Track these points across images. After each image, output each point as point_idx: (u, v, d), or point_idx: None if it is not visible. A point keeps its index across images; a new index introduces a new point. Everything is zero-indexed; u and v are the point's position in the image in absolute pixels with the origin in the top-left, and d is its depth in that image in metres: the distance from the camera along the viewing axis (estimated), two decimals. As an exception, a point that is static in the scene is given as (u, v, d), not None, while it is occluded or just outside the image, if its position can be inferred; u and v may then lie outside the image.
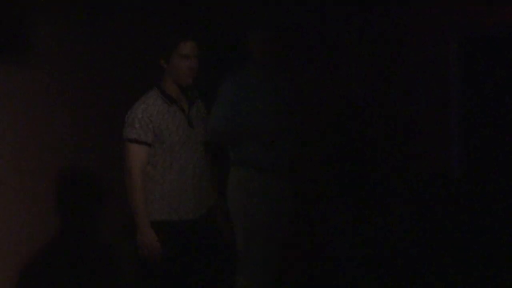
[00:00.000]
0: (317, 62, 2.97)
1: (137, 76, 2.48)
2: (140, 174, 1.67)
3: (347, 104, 2.97)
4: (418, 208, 2.64)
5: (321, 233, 2.85)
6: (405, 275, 2.60)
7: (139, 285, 2.44)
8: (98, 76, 2.49)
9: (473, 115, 2.72)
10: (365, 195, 2.80)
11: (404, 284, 2.59)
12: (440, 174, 2.60)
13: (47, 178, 2.30)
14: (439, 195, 2.57)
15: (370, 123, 2.88)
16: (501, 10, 2.68)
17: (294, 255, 2.67)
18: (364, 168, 2.84)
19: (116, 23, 2.52)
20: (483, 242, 2.45)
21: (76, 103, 2.40)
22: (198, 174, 1.79)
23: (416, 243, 2.63)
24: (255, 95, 2.04)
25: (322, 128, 2.91)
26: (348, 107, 2.95)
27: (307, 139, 2.61)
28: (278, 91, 2.14)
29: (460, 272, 2.47)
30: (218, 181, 2.02)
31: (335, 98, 2.94)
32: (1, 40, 2.04)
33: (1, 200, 2.11)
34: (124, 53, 2.57)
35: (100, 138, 2.46)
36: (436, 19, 2.83)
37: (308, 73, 2.91)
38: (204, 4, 2.82)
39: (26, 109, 2.22)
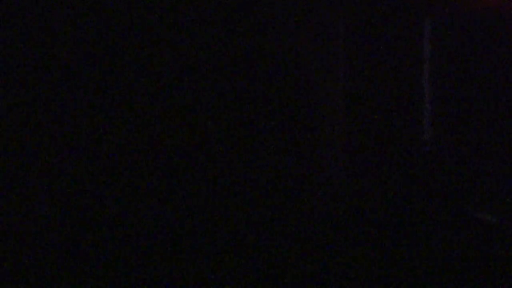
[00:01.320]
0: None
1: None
2: None
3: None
4: (396, 164, 3.09)
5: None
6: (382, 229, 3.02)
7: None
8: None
9: (443, 85, 3.11)
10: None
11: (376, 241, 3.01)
12: (413, 136, 3.04)
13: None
14: (412, 153, 3.03)
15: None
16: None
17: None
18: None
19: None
20: (445, 191, 2.90)
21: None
22: None
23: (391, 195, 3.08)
24: None
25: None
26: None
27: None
28: None
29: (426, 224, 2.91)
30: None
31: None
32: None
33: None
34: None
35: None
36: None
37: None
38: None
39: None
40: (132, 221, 2.90)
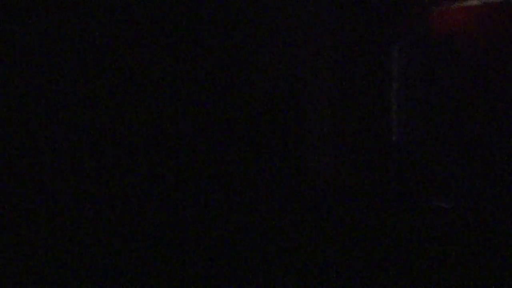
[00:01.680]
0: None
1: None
2: None
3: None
4: (372, 158, 3.68)
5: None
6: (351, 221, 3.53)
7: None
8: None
9: (408, 97, 3.77)
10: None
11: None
12: (384, 139, 3.66)
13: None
14: (384, 153, 3.65)
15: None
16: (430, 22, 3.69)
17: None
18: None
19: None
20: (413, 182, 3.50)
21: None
22: None
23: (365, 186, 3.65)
24: None
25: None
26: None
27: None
28: None
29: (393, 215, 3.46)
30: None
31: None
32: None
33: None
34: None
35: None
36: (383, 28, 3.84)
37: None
38: None
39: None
40: (130, 220, 2.99)
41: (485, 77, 3.41)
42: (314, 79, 3.71)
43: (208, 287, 2.56)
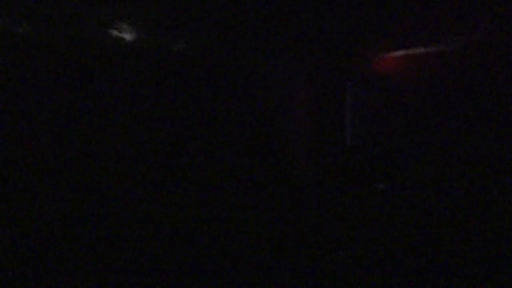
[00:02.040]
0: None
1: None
2: None
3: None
4: (334, 156, 4.56)
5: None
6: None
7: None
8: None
9: (358, 118, 4.83)
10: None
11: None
12: (339, 143, 4.63)
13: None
14: (338, 155, 4.61)
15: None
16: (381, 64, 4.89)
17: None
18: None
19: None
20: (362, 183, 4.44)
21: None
22: None
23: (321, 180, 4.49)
24: None
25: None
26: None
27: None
28: None
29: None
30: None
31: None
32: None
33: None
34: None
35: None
36: (338, 70, 4.97)
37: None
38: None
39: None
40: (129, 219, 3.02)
41: (410, 103, 4.63)
42: (293, 105, 4.67)
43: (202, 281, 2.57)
